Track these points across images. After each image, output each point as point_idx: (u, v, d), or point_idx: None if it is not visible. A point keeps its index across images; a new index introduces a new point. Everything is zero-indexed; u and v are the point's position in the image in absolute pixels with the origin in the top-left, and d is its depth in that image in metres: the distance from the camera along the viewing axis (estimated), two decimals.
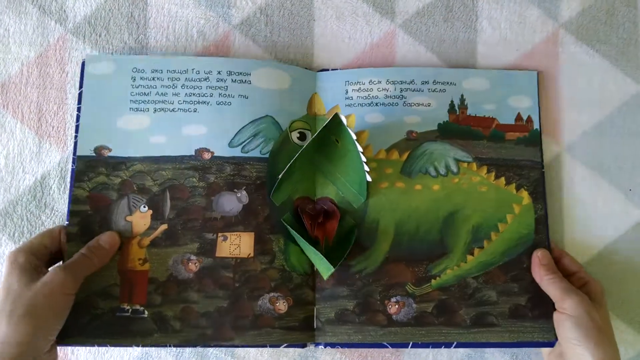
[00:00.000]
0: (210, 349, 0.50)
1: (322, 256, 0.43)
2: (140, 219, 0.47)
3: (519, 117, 0.51)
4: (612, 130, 0.53)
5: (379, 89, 0.51)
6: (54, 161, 0.51)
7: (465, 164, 0.50)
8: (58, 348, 0.43)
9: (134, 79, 0.49)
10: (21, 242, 0.50)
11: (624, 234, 0.52)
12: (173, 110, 0.49)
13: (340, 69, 0.52)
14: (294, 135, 0.50)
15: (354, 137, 0.43)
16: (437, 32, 0.54)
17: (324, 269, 0.45)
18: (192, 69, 0.49)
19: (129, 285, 0.46)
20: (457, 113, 0.51)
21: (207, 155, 0.48)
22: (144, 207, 0.47)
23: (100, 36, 0.52)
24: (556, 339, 0.47)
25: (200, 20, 0.53)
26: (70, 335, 0.44)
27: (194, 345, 0.46)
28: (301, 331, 0.47)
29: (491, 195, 0.50)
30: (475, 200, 0.50)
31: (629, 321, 0.52)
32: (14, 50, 0.50)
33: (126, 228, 0.47)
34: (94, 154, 0.47)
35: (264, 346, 0.46)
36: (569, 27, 0.54)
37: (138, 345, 0.45)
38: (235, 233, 0.48)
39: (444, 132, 0.50)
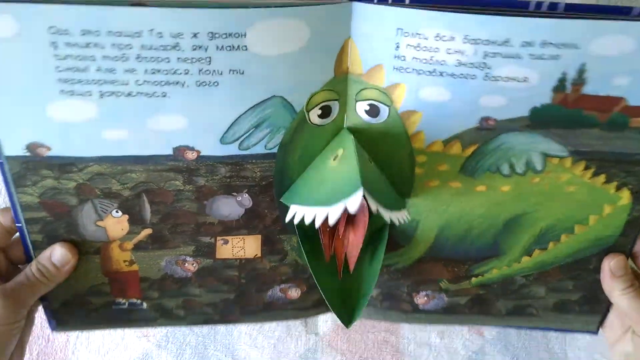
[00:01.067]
0: (210, 351, 0.47)
1: (337, 307, 0.36)
2: (115, 224, 0.37)
3: None
4: None
5: (450, 50, 0.31)
6: None
7: (556, 160, 0.36)
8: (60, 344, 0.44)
9: (56, 46, 0.29)
10: None
11: None
12: (130, 94, 0.31)
13: (392, 1, 0.31)
14: (313, 114, 0.34)
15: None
16: None
17: (342, 318, 0.37)
18: (151, 30, 0.29)
19: (120, 284, 0.40)
20: (568, 92, 0.33)
21: (191, 155, 0.34)
22: (117, 212, 0.36)
23: None
24: (598, 329, 0.42)
25: None
26: (69, 325, 0.41)
27: (206, 324, 0.43)
28: (316, 308, 0.43)
29: (579, 195, 0.37)
30: (554, 202, 0.37)
31: None
32: None
33: (100, 233, 0.37)
34: (28, 154, 0.33)
35: (279, 320, 0.44)
36: None
37: (143, 328, 0.42)
38: (237, 236, 0.38)
39: (538, 120, 0.34)
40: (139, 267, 0.39)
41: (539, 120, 0.34)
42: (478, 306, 0.43)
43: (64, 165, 0.34)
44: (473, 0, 0.30)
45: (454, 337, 0.47)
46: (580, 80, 0.33)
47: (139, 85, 0.31)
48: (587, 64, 0.32)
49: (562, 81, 0.33)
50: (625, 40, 0.31)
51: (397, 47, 0.32)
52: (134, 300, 0.41)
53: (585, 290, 0.41)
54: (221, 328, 0.46)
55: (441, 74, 0.32)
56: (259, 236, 0.38)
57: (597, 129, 0.34)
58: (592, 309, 0.42)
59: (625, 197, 0.37)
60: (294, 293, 0.42)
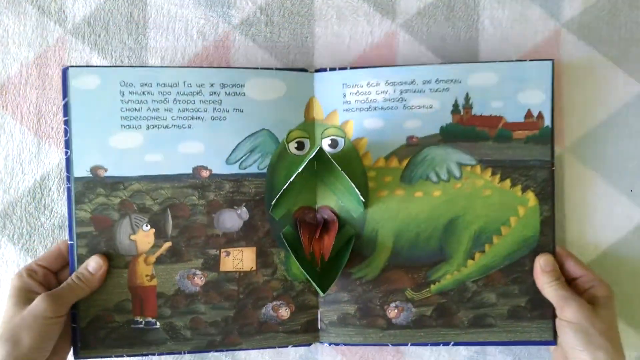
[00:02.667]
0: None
1: (312, 281, 0.45)
2: (144, 237, 0.48)
3: (529, 114, 0.48)
4: (615, 130, 0.52)
5: (378, 92, 0.48)
6: (54, 162, 0.52)
7: (469, 168, 0.49)
8: None
9: (123, 94, 0.47)
10: (30, 259, 0.52)
11: (625, 235, 0.52)
12: (167, 126, 0.47)
13: (338, 69, 0.49)
14: (292, 146, 0.49)
15: (341, 171, 0.44)
16: (438, 32, 0.52)
17: (318, 289, 0.46)
18: (184, 82, 0.47)
19: (140, 300, 0.48)
20: (462, 114, 0.49)
21: (205, 173, 0.48)
22: (147, 225, 0.48)
23: (99, 37, 0.52)
24: (555, 338, 0.48)
25: (200, 20, 0.52)
26: (91, 347, 0.48)
27: (206, 351, 0.49)
28: (304, 333, 0.50)
29: (495, 199, 0.49)
30: (477, 205, 0.49)
31: (629, 322, 0.53)
32: (13, 51, 0.50)
33: (131, 247, 0.48)
34: (90, 175, 0.47)
35: (273, 347, 0.50)
36: (570, 26, 0.52)
37: (154, 354, 0.49)
38: (237, 248, 0.49)
39: (447, 136, 0.49)
40: (157, 282, 0.48)
41: (447, 136, 0.49)
42: (443, 318, 0.49)
43: (115, 183, 0.47)
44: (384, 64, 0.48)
45: None
46: (468, 105, 0.48)
47: (174, 120, 0.47)
48: (470, 93, 0.48)
49: (455, 106, 0.48)
50: (488, 75, 0.48)
51: (344, 95, 0.49)
52: (150, 319, 0.48)
53: (530, 294, 0.49)
54: None
55: (375, 108, 0.48)
56: (254, 248, 0.49)
57: (490, 142, 0.49)
58: (542, 314, 0.49)
59: (531, 198, 0.49)
60: (284, 312, 0.49)
